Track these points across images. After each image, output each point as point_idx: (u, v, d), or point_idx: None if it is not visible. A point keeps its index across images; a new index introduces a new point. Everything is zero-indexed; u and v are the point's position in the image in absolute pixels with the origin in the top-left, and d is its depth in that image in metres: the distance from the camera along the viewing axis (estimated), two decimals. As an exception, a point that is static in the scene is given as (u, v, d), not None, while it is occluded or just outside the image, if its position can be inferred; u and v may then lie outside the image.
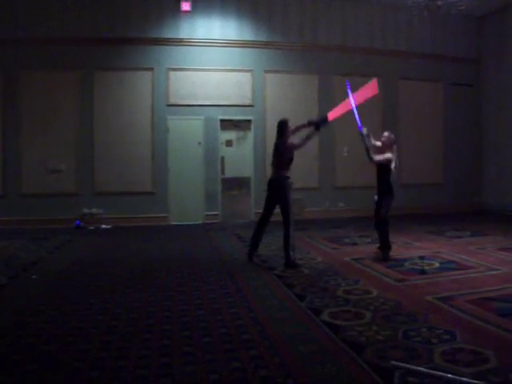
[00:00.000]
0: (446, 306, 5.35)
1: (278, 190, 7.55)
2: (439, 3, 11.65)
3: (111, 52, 12.70)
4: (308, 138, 7.76)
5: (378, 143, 8.09)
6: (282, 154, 7.58)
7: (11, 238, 10.50)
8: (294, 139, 7.73)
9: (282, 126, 7.74)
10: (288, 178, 7.56)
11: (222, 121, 13.20)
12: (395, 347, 4.21)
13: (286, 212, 7.49)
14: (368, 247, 9.02)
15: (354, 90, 7.85)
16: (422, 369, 3.70)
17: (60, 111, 12.55)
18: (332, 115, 7.91)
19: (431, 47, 14.64)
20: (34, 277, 7.10)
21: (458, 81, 14.91)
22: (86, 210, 12.49)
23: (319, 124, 7.79)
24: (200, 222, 12.78)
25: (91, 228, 12.09)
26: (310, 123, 7.87)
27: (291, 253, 7.46)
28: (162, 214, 12.82)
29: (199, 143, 12.89)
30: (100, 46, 12.62)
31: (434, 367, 3.77)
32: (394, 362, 3.83)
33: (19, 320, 5.13)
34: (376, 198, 8.02)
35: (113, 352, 4.21)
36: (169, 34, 12.95)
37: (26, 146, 12.39)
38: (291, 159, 7.63)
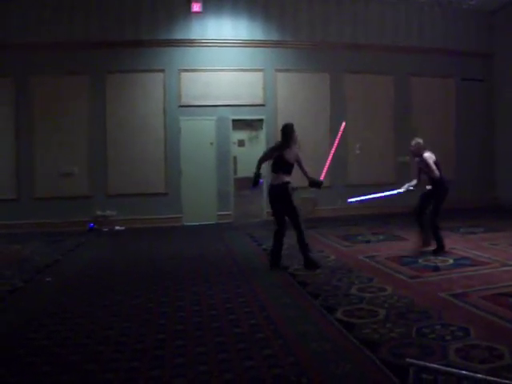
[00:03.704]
0: (460, 303, 5.32)
1: (282, 196, 7.33)
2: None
3: (122, 54, 12.75)
4: (306, 175, 7.53)
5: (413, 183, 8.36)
6: (288, 163, 7.36)
7: (25, 242, 10.59)
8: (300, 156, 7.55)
9: (289, 131, 7.48)
10: (289, 182, 7.32)
11: (233, 121, 13.21)
12: (409, 344, 4.20)
13: (294, 217, 7.33)
14: (382, 245, 9.03)
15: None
16: (436, 366, 3.69)
17: (72, 115, 12.61)
18: (323, 176, 7.87)
19: (442, 43, 14.54)
20: (48, 279, 7.16)
21: (470, 76, 14.81)
22: (99, 213, 12.54)
23: (314, 186, 7.63)
24: (213, 222, 12.80)
25: (105, 230, 12.16)
26: (311, 183, 7.60)
27: (310, 254, 7.36)
28: (175, 215, 12.85)
29: (211, 143, 12.91)
30: (111, 48, 12.66)
31: (449, 364, 3.75)
32: (408, 360, 3.82)
33: (34, 322, 5.19)
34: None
35: (126, 354, 4.24)
36: (180, 35, 12.98)
37: (39, 150, 12.48)
38: (293, 166, 7.43)
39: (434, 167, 7.80)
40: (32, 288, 6.76)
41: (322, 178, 7.72)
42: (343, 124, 8.14)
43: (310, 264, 7.26)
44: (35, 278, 7.26)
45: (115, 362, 4.07)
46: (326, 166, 7.90)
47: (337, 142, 8.08)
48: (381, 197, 8.82)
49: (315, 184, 7.55)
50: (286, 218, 7.41)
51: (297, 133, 7.55)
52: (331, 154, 7.95)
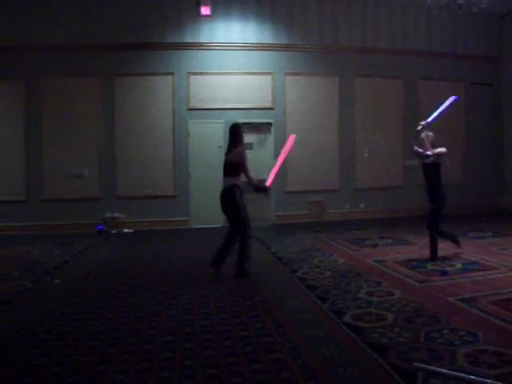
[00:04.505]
0: (469, 308, 5.32)
1: (227, 199, 7.16)
2: (460, 2, 11.56)
3: (132, 57, 12.81)
4: (249, 179, 7.25)
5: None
6: (232, 163, 7.19)
7: (34, 243, 10.64)
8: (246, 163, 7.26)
9: (237, 132, 7.35)
10: (236, 185, 7.15)
11: (242, 124, 13.19)
12: (418, 349, 4.20)
13: (237, 222, 7.14)
14: (390, 249, 9.02)
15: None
16: (444, 371, 3.70)
17: (81, 117, 12.69)
18: (269, 182, 7.43)
19: (452, 46, 14.53)
20: (57, 281, 7.20)
21: (479, 80, 14.77)
22: (107, 215, 12.59)
23: (259, 191, 7.32)
24: (220, 225, 12.82)
25: (113, 232, 12.20)
26: (256, 189, 7.29)
27: (246, 265, 7.13)
28: (183, 218, 12.88)
29: (220, 147, 12.91)
30: (120, 51, 12.73)
31: (457, 369, 3.75)
32: (416, 364, 3.82)
33: (44, 323, 5.23)
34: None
35: (136, 355, 4.27)
36: (189, 38, 13.03)
37: (48, 152, 12.55)
38: (238, 166, 7.18)
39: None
40: (41, 289, 6.80)
41: (268, 184, 7.32)
42: (292, 136, 7.75)
43: (241, 274, 7.06)
44: (44, 280, 7.30)
45: (125, 363, 4.10)
46: (273, 174, 7.44)
47: (285, 153, 7.59)
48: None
49: (260, 189, 7.25)
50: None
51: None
52: (278, 164, 7.49)
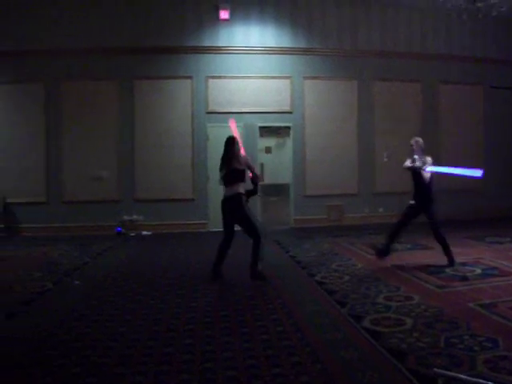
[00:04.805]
0: (489, 313, 5.28)
1: (236, 208, 7.16)
2: (479, 5, 11.49)
3: (151, 61, 12.90)
4: (257, 180, 7.55)
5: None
6: (242, 170, 7.21)
7: (54, 245, 10.77)
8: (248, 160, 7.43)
9: (228, 145, 7.27)
10: (242, 193, 7.15)
11: (261, 128, 13.27)
12: (437, 354, 4.18)
13: (248, 226, 7.23)
14: (409, 253, 9.00)
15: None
16: (464, 376, 3.68)
17: (101, 120, 12.82)
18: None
19: (471, 50, 14.45)
20: (76, 282, 7.28)
21: (499, 84, 14.66)
22: (126, 217, 12.68)
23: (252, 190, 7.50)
24: (239, 228, 12.81)
25: (132, 234, 12.29)
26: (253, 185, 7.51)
27: (258, 267, 7.10)
28: (201, 221, 12.93)
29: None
30: (140, 55, 12.83)
31: (477, 375, 3.73)
32: (436, 370, 3.81)
33: (63, 324, 5.30)
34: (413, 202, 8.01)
35: (155, 357, 4.29)
36: (207, 42, 13.09)
37: (68, 154, 12.70)
38: (244, 173, 7.23)
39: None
40: (61, 290, 6.89)
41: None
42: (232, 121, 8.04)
43: (255, 275, 7.06)
44: (63, 281, 7.39)
45: (144, 365, 4.13)
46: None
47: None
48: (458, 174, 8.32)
49: (255, 191, 7.55)
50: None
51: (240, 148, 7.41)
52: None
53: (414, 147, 8.04)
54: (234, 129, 8.14)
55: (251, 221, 7.16)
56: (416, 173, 7.92)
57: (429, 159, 7.88)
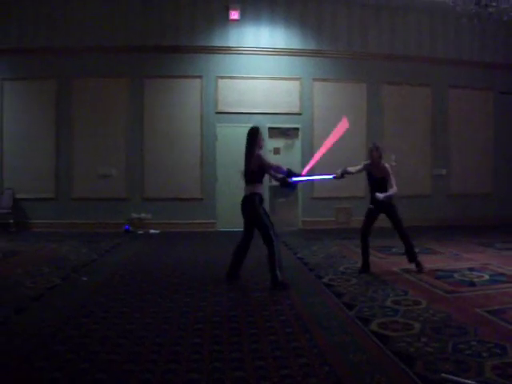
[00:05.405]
0: (497, 319, 5.28)
1: (247, 209, 6.96)
2: (491, 10, 11.46)
3: (161, 60, 12.97)
4: (276, 178, 7.13)
5: (353, 168, 7.91)
6: (256, 172, 6.93)
7: (62, 241, 10.85)
8: (269, 161, 7.13)
9: (252, 136, 7.02)
10: (256, 193, 6.90)
11: (270, 129, 13.28)
12: (445, 360, 4.18)
13: (261, 230, 6.93)
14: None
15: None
16: (472, 382, 3.68)
17: (111, 118, 12.91)
18: (305, 171, 7.39)
19: (481, 55, 14.45)
20: (84, 278, 7.31)
21: (508, 89, 14.62)
22: (134, 215, 12.73)
23: (286, 184, 7.03)
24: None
25: (140, 232, 12.34)
26: (282, 184, 7.09)
27: (278, 273, 6.72)
28: (209, 220, 12.97)
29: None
30: (150, 54, 12.90)
31: (485, 381, 3.73)
32: (444, 375, 3.81)
33: (72, 320, 5.32)
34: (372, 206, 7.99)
35: (164, 355, 4.31)
36: (217, 42, 13.14)
37: (78, 151, 12.81)
38: (258, 173, 6.94)
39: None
40: (69, 286, 6.92)
41: (303, 173, 7.28)
42: (345, 119, 7.24)
43: (276, 284, 6.69)
44: (72, 277, 7.42)
45: (153, 363, 4.14)
46: (313, 162, 7.38)
47: (334, 138, 7.21)
48: (319, 179, 8.02)
49: (285, 184, 6.99)
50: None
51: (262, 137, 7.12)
52: (322, 151, 7.22)
53: (374, 154, 7.87)
54: (341, 129, 7.34)
55: (263, 222, 6.88)
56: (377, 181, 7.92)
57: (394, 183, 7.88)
